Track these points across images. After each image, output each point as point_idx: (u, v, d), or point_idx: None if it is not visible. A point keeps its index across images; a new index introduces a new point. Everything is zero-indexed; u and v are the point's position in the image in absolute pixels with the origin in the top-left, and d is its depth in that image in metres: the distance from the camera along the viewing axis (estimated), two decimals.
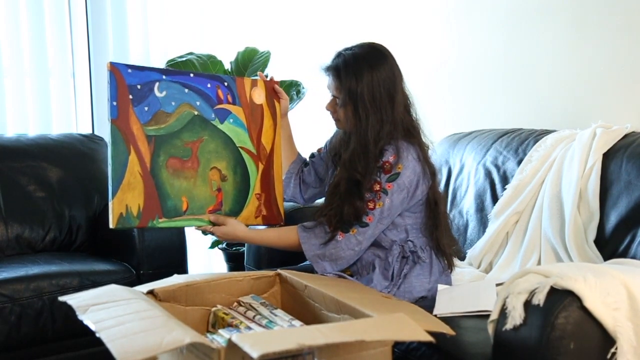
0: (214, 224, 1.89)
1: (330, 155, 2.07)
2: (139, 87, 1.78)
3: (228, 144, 1.93)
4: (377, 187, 1.82)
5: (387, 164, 1.82)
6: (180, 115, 1.84)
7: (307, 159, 2.17)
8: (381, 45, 1.91)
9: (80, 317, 1.33)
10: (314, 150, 2.17)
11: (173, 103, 1.84)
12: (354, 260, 1.87)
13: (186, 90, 1.87)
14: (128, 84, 1.77)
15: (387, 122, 1.84)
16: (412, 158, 1.84)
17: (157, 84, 1.82)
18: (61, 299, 1.47)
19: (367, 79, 1.82)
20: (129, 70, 1.78)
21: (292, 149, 2.17)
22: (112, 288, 1.54)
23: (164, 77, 1.84)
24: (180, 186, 1.84)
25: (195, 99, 1.88)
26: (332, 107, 1.92)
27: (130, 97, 1.76)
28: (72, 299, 1.44)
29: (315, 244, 1.84)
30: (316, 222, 1.88)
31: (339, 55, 1.90)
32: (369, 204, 1.82)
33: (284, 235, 1.90)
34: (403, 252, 1.88)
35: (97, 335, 1.22)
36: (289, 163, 2.15)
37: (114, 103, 1.74)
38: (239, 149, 1.95)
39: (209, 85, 1.91)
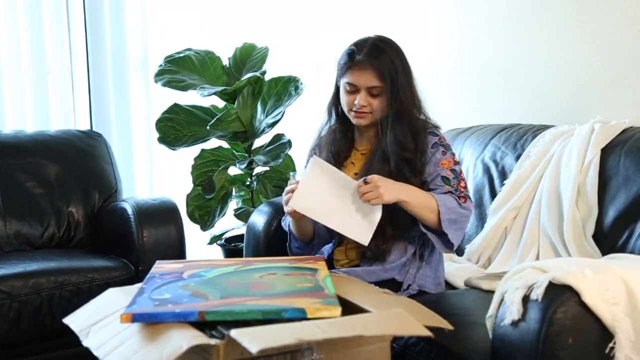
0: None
1: (330, 157, 1.99)
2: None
3: None
4: (457, 159, 1.88)
5: (442, 138, 1.88)
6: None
7: None
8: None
9: (84, 342, 1.38)
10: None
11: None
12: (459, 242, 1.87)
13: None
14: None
15: (418, 94, 1.90)
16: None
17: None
18: (65, 321, 1.50)
19: (397, 60, 1.84)
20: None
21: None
22: (110, 295, 1.56)
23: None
24: None
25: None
26: (367, 101, 1.85)
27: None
28: (74, 322, 1.47)
29: (451, 209, 1.79)
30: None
31: (363, 47, 1.84)
32: (462, 175, 1.86)
33: (429, 197, 1.79)
34: (423, 235, 1.88)
35: None
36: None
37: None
38: None
39: None
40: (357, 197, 1.76)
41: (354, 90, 1.85)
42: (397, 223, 1.87)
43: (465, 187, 1.86)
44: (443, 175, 1.84)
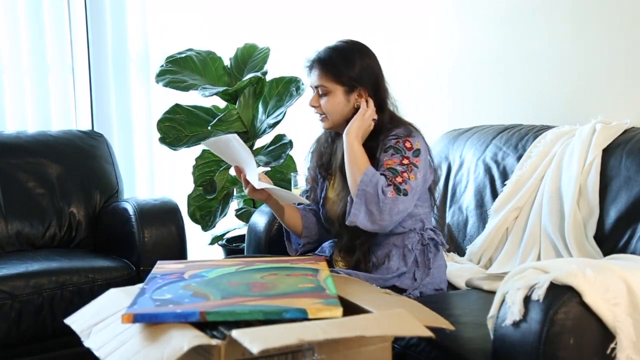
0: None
1: (317, 165, 2.05)
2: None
3: None
4: (406, 162, 1.81)
5: (406, 142, 1.83)
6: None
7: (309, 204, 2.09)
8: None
9: (86, 343, 1.38)
10: (306, 188, 2.13)
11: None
12: (384, 231, 1.81)
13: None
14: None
15: (382, 104, 1.90)
16: (422, 138, 1.88)
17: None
18: (66, 321, 1.51)
19: (358, 65, 1.87)
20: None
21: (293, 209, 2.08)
22: (111, 295, 1.56)
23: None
24: None
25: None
26: (317, 101, 1.91)
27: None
28: (75, 322, 1.47)
29: (372, 183, 1.77)
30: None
31: (324, 48, 1.92)
32: (403, 174, 1.79)
33: (365, 164, 1.82)
34: (422, 240, 1.89)
35: None
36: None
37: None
38: None
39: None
40: (236, 152, 1.85)
41: (313, 91, 1.94)
42: (350, 235, 1.89)
43: (402, 182, 1.79)
44: (381, 173, 1.81)
